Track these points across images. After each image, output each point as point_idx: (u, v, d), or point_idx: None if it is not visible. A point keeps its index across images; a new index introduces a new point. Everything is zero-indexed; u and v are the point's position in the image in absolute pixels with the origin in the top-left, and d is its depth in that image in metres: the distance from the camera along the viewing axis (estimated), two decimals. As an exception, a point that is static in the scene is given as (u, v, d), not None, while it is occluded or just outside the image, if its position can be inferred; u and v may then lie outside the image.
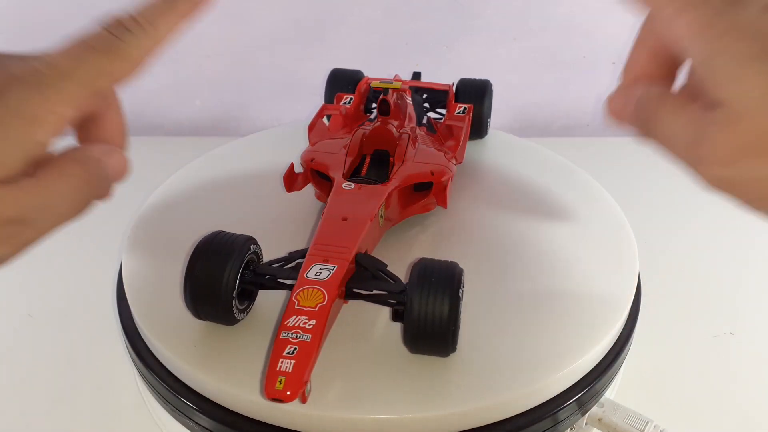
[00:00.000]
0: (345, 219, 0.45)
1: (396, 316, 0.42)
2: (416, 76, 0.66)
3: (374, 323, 0.45)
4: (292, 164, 0.52)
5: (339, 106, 0.60)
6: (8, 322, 0.59)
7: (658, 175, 0.79)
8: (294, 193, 0.52)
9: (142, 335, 0.47)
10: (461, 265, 0.41)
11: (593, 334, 0.45)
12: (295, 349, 0.36)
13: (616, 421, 0.45)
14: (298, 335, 0.37)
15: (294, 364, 0.35)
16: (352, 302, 0.42)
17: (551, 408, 0.43)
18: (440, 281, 0.39)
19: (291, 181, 0.52)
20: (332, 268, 0.41)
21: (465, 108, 0.60)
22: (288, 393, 0.35)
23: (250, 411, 0.41)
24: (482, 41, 0.84)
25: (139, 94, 0.87)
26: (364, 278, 0.42)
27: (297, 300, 0.39)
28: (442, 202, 0.51)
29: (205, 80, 0.87)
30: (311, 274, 0.40)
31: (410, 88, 0.62)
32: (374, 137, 0.52)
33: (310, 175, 0.53)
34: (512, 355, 0.43)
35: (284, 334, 0.37)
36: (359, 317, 0.45)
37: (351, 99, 0.60)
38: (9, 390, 0.53)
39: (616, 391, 0.51)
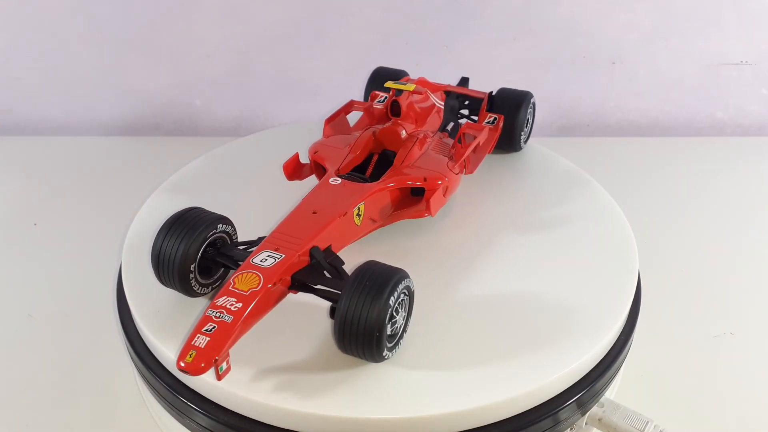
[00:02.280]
0: (315, 212, 0.45)
1: (331, 313, 0.42)
2: (463, 81, 0.64)
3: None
4: (297, 154, 0.53)
5: (365, 103, 0.60)
6: (8, 322, 0.59)
7: (658, 175, 0.80)
8: (294, 194, 0.52)
9: (142, 335, 0.47)
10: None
11: (593, 334, 0.45)
12: (214, 327, 0.38)
13: (616, 421, 0.45)
14: (221, 315, 0.38)
15: (208, 341, 0.37)
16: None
17: (551, 408, 0.43)
18: (374, 286, 0.39)
19: (292, 169, 0.53)
20: (279, 257, 0.41)
21: (495, 118, 0.59)
22: (199, 366, 0.36)
23: (249, 411, 0.41)
24: (482, 41, 0.84)
25: (139, 94, 0.87)
26: (312, 272, 0.43)
27: (233, 282, 0.40)
28: (428, 209, 0.50)
29: (205, 80, 0.87)
30: (257, 260, 0.41)
31: (447, 92, 0.61)
32: (382, 137, 0.53)
33: (314, 166, 0.53)
34: (512, 355, 0.43)
35: (209, 312, 0.38)
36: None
37: (385, 98, 0.60)
38: (9, 390, 0.53)
39: (616, 391, 0.51)
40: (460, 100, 0.62)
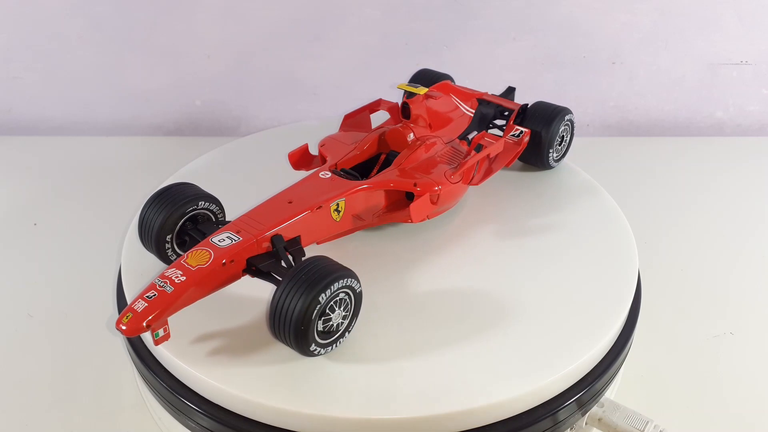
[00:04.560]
0: (290, 202, 0.46)
1: None
2: (509, 91, 0.63)
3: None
4: (306, 145, 0.54)
5: (392, 103, 0.59)
6: (8, 322, 0.59)
7: (658, 175, 0.80)
8: None
9: (141, 335, 0.47)
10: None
11: (593, 334, 0.45)
12: (155, 295, 0.39)
13: (616, 421, 0.45)
14: (164, 285, 0.39)
15: (146, 307, 0.39)
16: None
17: (551, 408, 0.43)
18: (308, 279, 0.39)
19: (297, 158, 0.53)
20: (237, 239, 0.42)
21: (521, 131, 0.56)
22: (133, 328, 0.38)
23: (249, 411, 0.41)
24: (482, 41, 0.84)
25: (139, 94, 0.87)
26: (269, 259, 0.43)
27: (187, 256, 0.41)
28: (409, 215, 0.49)
29: (205, 80, 0.87)
30: (215, 239, 0.42)
31: (481, 100, 0.60)
32: (389, 138, 0.53)
33: (321, 159, 0.53)
34: (512, 355, 0.43)
35: (156, 280, 0.40)
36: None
37: None
38: (9, 390, 0.53)
39: (616, 391, 0.51)
40: (499, 110, 0.60)
